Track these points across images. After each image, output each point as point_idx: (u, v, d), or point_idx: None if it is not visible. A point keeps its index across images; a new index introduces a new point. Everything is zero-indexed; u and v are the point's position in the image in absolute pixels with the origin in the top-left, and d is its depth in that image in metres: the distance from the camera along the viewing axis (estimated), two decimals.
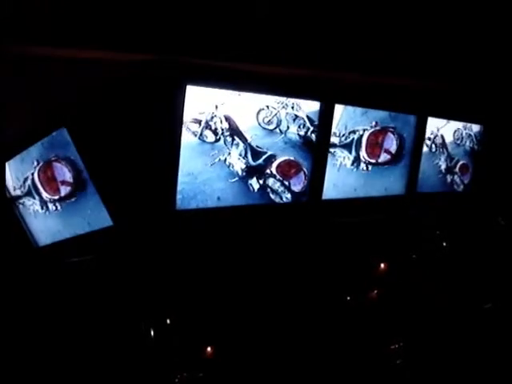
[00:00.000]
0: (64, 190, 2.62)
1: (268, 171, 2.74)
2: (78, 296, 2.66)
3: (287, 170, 2.81)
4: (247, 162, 2.64)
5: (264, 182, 2.74)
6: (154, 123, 2.30)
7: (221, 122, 2.47)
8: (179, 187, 2.42)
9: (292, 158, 2.81)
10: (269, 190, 2.78)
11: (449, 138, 3.77)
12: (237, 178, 2.62)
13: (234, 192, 2.64)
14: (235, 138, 2.56)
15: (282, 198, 2.84)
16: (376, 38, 2.62)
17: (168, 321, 2.65)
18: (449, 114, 3.65)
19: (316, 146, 2.86)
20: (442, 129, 3.66)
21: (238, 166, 2.60)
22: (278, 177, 2.78)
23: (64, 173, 2.55)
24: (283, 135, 2.73)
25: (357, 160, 3.16)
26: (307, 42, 2.44)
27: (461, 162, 3.94)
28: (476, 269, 3.87)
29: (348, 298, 3.31)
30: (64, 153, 2.47)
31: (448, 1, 2.73)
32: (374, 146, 3.23)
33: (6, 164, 2.69)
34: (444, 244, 3.94)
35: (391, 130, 3.28)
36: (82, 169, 2.45)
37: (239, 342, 2.78)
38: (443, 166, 3.80)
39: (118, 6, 1.90)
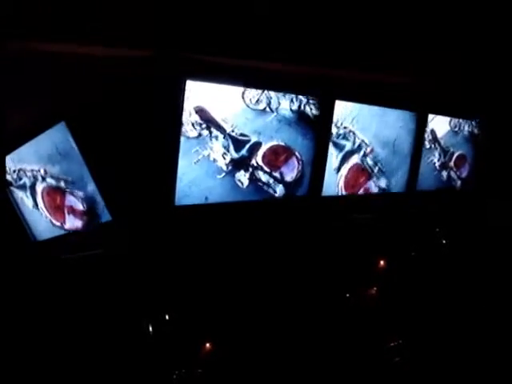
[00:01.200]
0: (70, 222, 2.55)
1: (254, 163, 2.50)
2: (76, 292, 2.64)
3: (274, 159, 2.56)
4: (230, 155, 2.41)
5: (252, 176, 2.52)
6: (154, 119, 2.21)
7: (190, 115, 2.23)
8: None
9: (281, 144, 2.56)
10: (260, 183, 2.56)
11: (443, 130, 3.55)
12: (224, 174, 2.41)
13: (223, 190, 2.44)
14: (212, 129, 2.32)
15: (275, 192, 2.63)
16: (376, 37, 2.56)
17: (166, 317, 2.62)
18: (449, 111, 3.54)
19: (316, 144, 2.69)
20: (430, 123, 3.43)
21: (222, 160, 2.39)
22: (265, 168, 2.54)
23: (77, 206, 2.50)
24: (275, 114, 2.49)
25: (338, 170, 2.97)
26: (307, 39, 2.35)
27: (457, 154, 3.75)
28: (475, 266, 3.82)
29: (347, 295, 3.28)
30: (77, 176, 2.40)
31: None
32: (352, 185, 3.08)
33: None
34: (444, 241, 3.94)
35: (375, 182, 3.17)
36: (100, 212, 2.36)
37: (237, 339, 2.75)
38: (438, 163, 3.63)
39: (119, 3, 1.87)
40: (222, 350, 2.68)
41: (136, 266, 2.61)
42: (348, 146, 2.95)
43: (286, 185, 2.67)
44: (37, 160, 2.51)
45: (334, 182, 2.97)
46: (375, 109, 2.99)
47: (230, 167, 2.42)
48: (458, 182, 3.86)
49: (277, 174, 2.61)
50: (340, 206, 3.11)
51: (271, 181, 2.60)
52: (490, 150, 3.95)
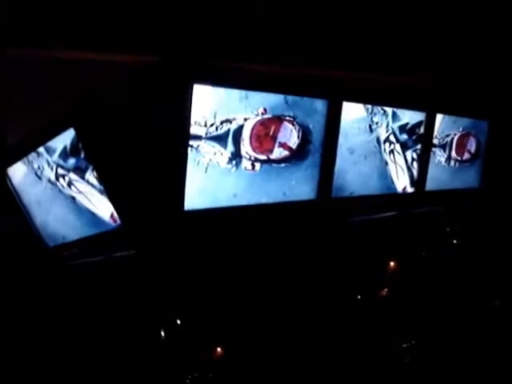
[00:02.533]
0: None
1: (246, 155, 2.45)
2: (87, 298, 2.70)
3: (260, 146, 2.47)
4: (225, 153, 2.40)
5: (255, 161, 2.49)
6: (162, 123, 2.23)
7: None
8: (199, 207, 2.37)
9: (265, 117, 2.44)
10: (269, 163, 2.55)
11: (438, 123, 3.44)
12: (234, 168, 2.45)
13: (244, 180, 2.49)
14: (190, 143, 2.26)
15: (289, 162, 2.60)
16: (380, 38, 2.66)
17: (178, 321, 2.64)
18: (456, 111, 3.51)
19: (323, 146, 2.71)
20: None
21: (223, 159, 2.40)
22: (260, 158, 2.49)
23: None
24: None
25: None
26: (312, 41, 2.53)
27: (458, 135, 3.62)
28: (486, 266, 3.76)
29: (358, 297, 3.25)
30: None
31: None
32: None
33: None
34: (454, 241, 3.89)
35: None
36: None
37: (249, 343, 2.74)
38: (443, 158, 3.60)
39: (125, 9, 1.95)
40: (234, 354, 2.67)
41: (147, 272, 2.66)
42: None
43: (295, 152, 2.63)
44: None
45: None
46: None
47: (233, 161, 2.43)
48: (469, 158, 3.81)
49: (276, 154, 2.56)
50: (349, 207, 3.09)
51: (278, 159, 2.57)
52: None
